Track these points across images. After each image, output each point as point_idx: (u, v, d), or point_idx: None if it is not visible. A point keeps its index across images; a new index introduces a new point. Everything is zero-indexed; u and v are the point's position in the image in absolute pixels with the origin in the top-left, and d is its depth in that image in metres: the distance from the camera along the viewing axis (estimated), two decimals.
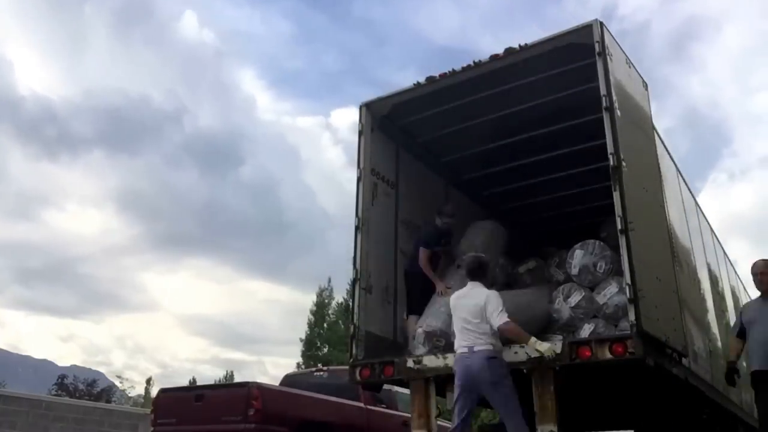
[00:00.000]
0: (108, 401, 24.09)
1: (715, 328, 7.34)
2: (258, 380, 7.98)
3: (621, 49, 5.65)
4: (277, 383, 8.41)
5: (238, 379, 35.73)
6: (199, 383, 28.31)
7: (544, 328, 5.85)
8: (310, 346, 27.03)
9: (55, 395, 21.14)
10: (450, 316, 5.21)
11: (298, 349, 27.67)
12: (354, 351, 5.95)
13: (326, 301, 28.23)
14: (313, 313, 27.78)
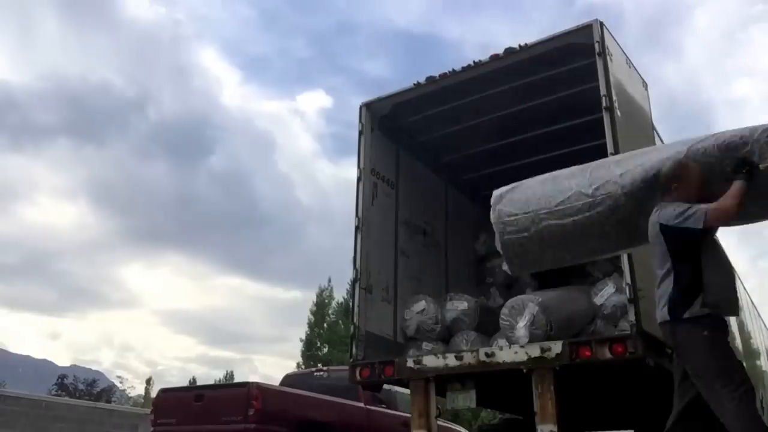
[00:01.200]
0: (108, 401, 24.09)
1: None
2: (251, 379, 7.99)
3: (621, 49, 5.66)
4: (269, 382, 8.42)
5: (238, 379, 35.73)
6: (198, 383, 28.27)
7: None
8: (310, 346, 26.98)
9: (55, 395, 21.13)
10: None
11: (285, 346, 27.75)
12: (354, 351, 5.95)
13: (326, 301, 28.19)
14: (313, 313, 27.72)
